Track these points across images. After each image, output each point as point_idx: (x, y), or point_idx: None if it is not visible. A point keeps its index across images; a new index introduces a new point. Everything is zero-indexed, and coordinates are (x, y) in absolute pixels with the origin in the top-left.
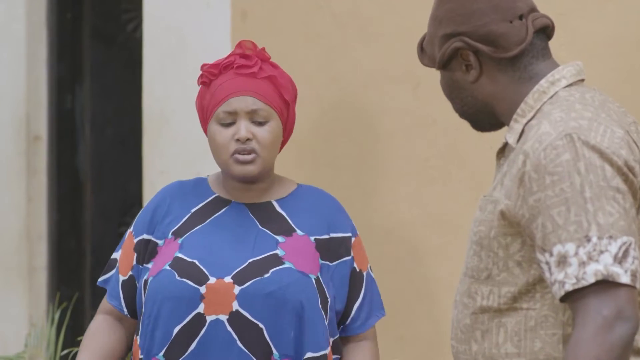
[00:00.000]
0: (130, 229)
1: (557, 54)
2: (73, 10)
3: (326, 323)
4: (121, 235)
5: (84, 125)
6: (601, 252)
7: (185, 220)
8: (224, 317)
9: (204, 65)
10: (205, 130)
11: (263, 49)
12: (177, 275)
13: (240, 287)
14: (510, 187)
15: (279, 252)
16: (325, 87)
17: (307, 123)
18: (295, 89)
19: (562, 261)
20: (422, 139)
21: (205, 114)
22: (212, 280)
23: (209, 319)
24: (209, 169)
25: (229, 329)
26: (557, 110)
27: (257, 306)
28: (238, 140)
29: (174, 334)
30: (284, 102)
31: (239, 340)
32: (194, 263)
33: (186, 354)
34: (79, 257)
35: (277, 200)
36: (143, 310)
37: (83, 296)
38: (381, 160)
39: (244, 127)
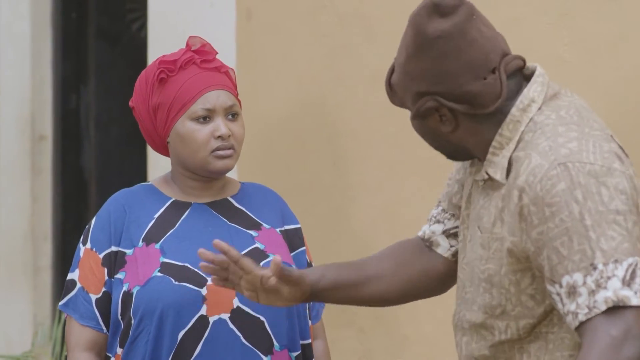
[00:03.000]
0: (87, 246)
1: (560, 54)
2: (78, 10)
3: (307, 314)
4: None
5: (88, 125)
6: (608, 278)
7: (152, 227)
8: (226, 316)
9: (162, 62)
10: (153, 127)
11: (212, 48)
12: (173, 280)
13: None
14: (512, 222)
15: (259, 245)
16: (329, 87)
17: (312, 123)
18: None
19: (572, 292)
20: None
21: (168, 111)
22: (210, 280)
23: (211, 319)
24: None
25: (232, 326)
26: (542, 139)
27: None
28: (219, 137)
29: (179, 340)
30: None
31: (243, 336)
32: (186, 266)
33: (192, 358)
34: None
35: (232, 197)
36: (132, 321)
37: None
38: (386, 160)
39: (223, 124)
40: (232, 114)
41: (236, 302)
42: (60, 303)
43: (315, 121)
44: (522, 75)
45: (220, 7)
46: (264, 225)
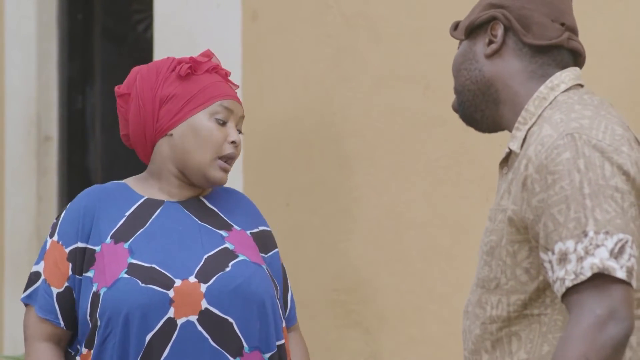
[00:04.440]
0: (54, 239)
1: None
2: (84, 11)
3: (280, 313)
4: None
5: (94, 125)
6: (597, 246)
7: (123, 224)
8: (194, 318)
9: (192, 59)
10: (152, 116)
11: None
12: (140, 282)
13: (206, 285)
14: (515, 192)
15: (228, 245)
16: (335, 88)
17: (317, 123)
18: None
19: (563, 258)
20: (432, 139)
21: (187, 103)
22: (178, 282)
23: (179, 322)
24: None
25: (200, 328)
26: (557, 113)
27: (225, 301)
28: (233, 142)
29: (146, 342)
30: None
31: (211, 338)
32: (154, 267)
33: None
34: None
35: (204, 197)
36: (98, 323)
37: None
38: (391, 161)
39: (235, 131)
40: (239, 130)
41: (204, 304)
42: (23, 295)
43: (320, 121)
44: (576, 63)
45: (226, 7)
46: (235, 226)
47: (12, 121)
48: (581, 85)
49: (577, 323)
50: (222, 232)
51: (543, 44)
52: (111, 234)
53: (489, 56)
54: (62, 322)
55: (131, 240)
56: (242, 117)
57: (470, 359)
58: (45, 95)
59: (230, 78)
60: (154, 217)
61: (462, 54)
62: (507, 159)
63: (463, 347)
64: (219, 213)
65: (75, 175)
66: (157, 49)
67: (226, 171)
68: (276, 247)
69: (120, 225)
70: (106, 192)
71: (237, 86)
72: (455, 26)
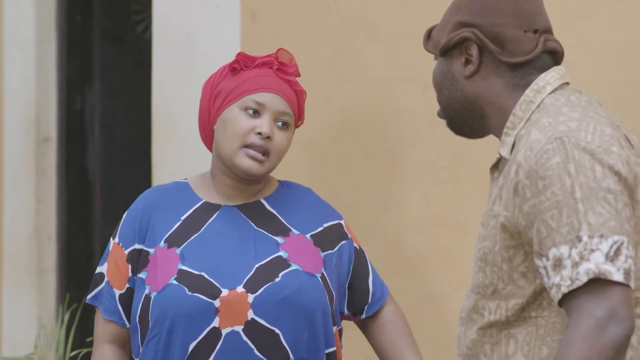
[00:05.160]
0: (115, 240)
1: (566, 56)
2: (82, 12)
3: (332, 321)
4: None
5: (93, 126)
6: (592, 250)
7: (177, 228)
8: (239, 328)
9: (240, 54)
10: (208, 112)
11: (297, 68)
12: (187, 290)
13: (253, 295)
14: (507, 198)
15: (282, 254)
16: (334, 89)
17: (317, 124)
18: None
19: (558, 264)
20: (432, 140)
21: (225, 97)
22: (225, 292)
23: (224, 331)
24: None
25: (245, 338)
26: (545, 117)
27: (272, 312)
28: (259, 134)
29: (189, 351)
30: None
31: (256, 349)
32: (202, 276)
33: None
34: (88, 258)
35: (265, 199)
36: (150, 325)
37: None
38: (391, 161)
39: (267, 124)
40: (283, 122)
41: (251, 314)
42: (89, 296)
43: (320, 122)
44: (555, 61)
45: (224, 8)
46: (293, 231)
47: (11, 122)
48: (567, 83)
49: (577, 326)
50: (278, 239)
51: (519, 61)
52: (165, 237)
53: (468, 77)
54: (127, 323)
55: (184, 245)
56: (284, 112)
57: None
58: (44, 96)
59: None
60: (209, 222)
61: (440, 72)
62: (498, 164)
63: (457, 353)
64: (278, 216)
65: (74, 176)
66: (156, 49)
67: (256, 160)
68: (346, 238)
69: (175, 229)
70: (166, 193)
71: (298, 75)
72: (428, 35)
